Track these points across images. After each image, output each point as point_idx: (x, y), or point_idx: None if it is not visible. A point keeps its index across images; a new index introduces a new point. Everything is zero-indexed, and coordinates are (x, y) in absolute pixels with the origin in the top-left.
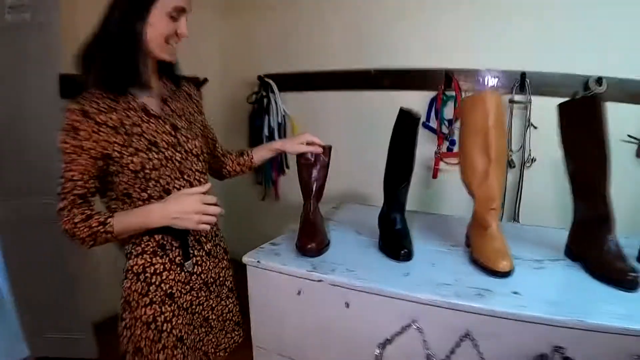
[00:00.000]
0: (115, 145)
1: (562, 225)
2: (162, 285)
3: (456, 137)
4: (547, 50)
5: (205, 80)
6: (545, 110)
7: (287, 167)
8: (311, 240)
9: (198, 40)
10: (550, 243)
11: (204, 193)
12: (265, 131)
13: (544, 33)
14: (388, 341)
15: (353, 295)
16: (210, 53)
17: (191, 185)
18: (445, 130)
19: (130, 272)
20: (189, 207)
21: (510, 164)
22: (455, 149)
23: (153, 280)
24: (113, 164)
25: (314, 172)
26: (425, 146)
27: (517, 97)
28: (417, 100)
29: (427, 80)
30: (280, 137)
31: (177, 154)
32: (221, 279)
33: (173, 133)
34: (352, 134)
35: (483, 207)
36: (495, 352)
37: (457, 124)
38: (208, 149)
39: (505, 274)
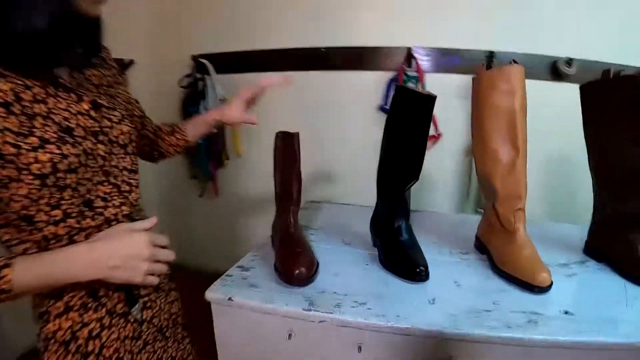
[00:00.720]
0: (7, 133)
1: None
2: (104, 351)
3: None
4: (515, 29)
5: (132, 62)
6: None
7: (227, 157)
8: (299, 264)
9: (121, 15)
10: (561, 241)
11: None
12: None
13: (512, 11)
14: None
15: (369, 336)
16: (135, 30)
17: (120, 192)
18: None
19: (52, 340)
20: (135, 251)
21: None
22: None
23: (90, 349)
24: (3, 166)
25: (294, 168)
26: (381, 131)
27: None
28: (373, 82)
29: (385, 59)
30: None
31: (99, 145)
32: (174, 316)
33: (93, 114)
34: (303, 121)
35: (508, 207)
36: None
37: None
38: (136, 133)
39: (546, 289)
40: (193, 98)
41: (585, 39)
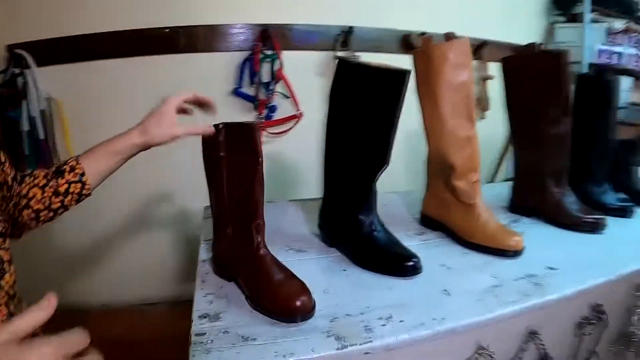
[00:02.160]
0: None
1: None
2: None
3: (276, 103)
4: (370, 6)
5: None
6: None
7: (60, 160)
8: (298, 293)
9: None
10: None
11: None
12: (25, 124)
13: None
14: None
15: (402, 355)
16: None
17: None
18: (262, 96)
19: None
20: None
21: None
22: (277, 116)
23: None
24: None
25: (257, 171)
26: (237, 117)
27: (340, 54)
28: (224, 63)
29: (236, 39)
30: (47, 131)
31: None
32: None
33: None
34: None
35: (465, 180)
36: (553, 337)
37: (278, 87)
38: None
39: (521, 252)
40: (12, 99)
41: (436, 13)
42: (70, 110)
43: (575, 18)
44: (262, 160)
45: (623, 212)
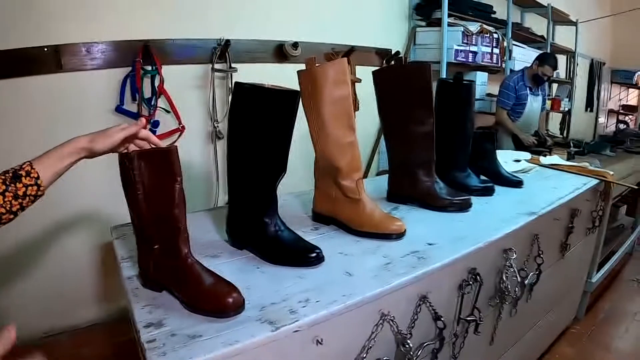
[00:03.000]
0: None
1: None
2: None
3: (159, 118)
4: (245, 17)
5: None
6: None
7: None
8: (228, 292)
9: None
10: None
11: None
12: None
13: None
14: (365, 349)
15: (324, 328)
16: None
17: None
18: (145, 112)
19: None
20: None
21: (218, 135)
22: (160, 131)
23: None
24: None
25: (175, 189)
26: None
27: (217, 66)
28: (105, 81)
29: (117, 55)
30: None
31: None
32: None
33: None
34: (30, 138)
35: (350, 179)
36: (440, 298)
37: (160, 102)
38: None
39: (404, 233)
40: None
41: (309, 23)
42: None
43: (434, 22)
44: (181, 179)
45: (485, 191)
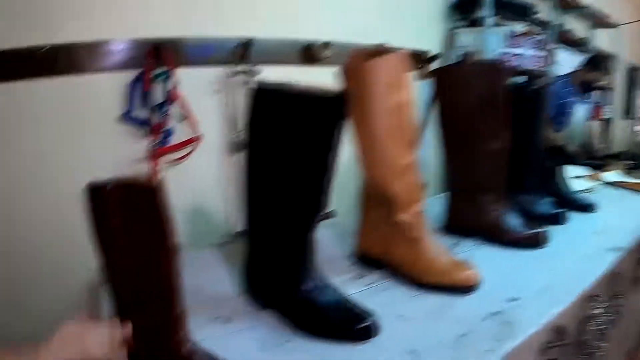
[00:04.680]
0: None
1: None
2: None
3: (172, 126)
4: (269, 15)
5: None
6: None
7: None
8: None
9: None
10: None
11: None
12: None
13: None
14: None
15: None
16: None
17: None
18: (156, 119)
19: None
20: None
21: (239, 148)
22: (173, 141)
23: None
24: None
25: (172, 253)
26: (125, 146)
27: (237, 68)
28: (110, 85)
29: (124, 56)
30: None
31: None
32: None
33: None
34: (23, 148)
35: (408, 212)
36: None
37: (172, 109)
38: None
39: (477, 286)
40: None
41: (339, 22)
42: None
43: (475, 23)
44: (173, 229)
45: (557, 220)
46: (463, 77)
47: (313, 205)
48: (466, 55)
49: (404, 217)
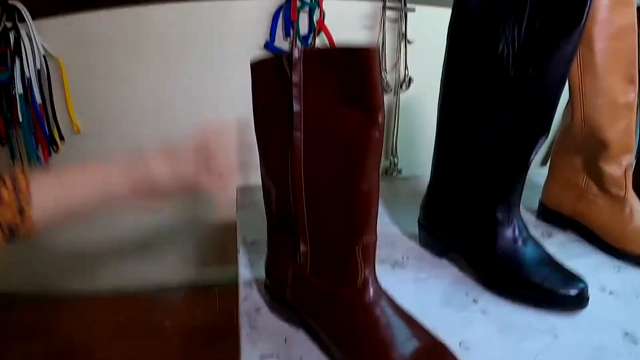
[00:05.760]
0: None
1: None
2: None
3: None
4: None
5: None
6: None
7: (62, 137)
8: None
9: None
10: None
11: None
12: (19, 87)
13: None
14: None
15: None
16: None
17: None
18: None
19: None
20: None
21: (384, 88)
22: None
23: None
24: None
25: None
26: None
27: (390, 4)
28: (252, 13)
29: None
30: (44, 94)
31: None
32: None
33: None
34: (162, 76)
35: (617, 164)
36: None
37: (317, 41)
38: None
39: None
40: (3, 58)
41: None
42: (72, 70)
43: None
44: (383, 119)
45: None
46: None
47: (535, 124)
48: None
49: (611, 169)
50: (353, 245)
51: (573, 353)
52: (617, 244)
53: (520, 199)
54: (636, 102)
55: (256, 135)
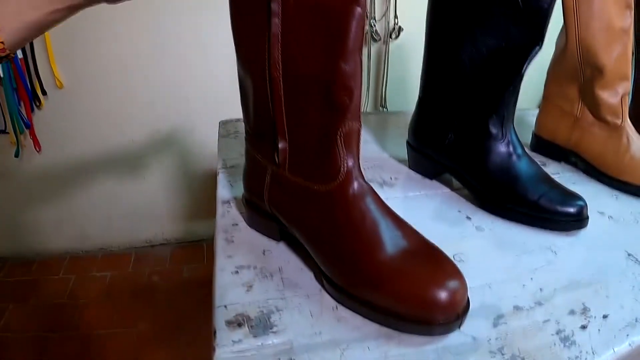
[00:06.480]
0: None
1: None
2: None
3: None
4: None
5: None
6: None
7: (44, 92)
8: (441, 275)
9: None
10: None
11: None
12: None
13: None
14: None
15: None
16: None
17: None
18: None
19: None
20: None
21: (374, 37)
22: None
23: None
24: None
25: (357, 35)
26: None
27: None
28: None
29: None
30: (25, 49)
31: None
32: None
33: None
34: (165, 29)
35: (612, 91)
36: None
37: None
38: None
39: None
40: None
41: None
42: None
43: None
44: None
45: None
46: None
47: (531, 35)
48: None
49: (608, 96)
50: (334, 132)
51: (576, 269)
52: (614, 174)
53: (514, 114)
54: (632, 29)
55: (232, 28)
